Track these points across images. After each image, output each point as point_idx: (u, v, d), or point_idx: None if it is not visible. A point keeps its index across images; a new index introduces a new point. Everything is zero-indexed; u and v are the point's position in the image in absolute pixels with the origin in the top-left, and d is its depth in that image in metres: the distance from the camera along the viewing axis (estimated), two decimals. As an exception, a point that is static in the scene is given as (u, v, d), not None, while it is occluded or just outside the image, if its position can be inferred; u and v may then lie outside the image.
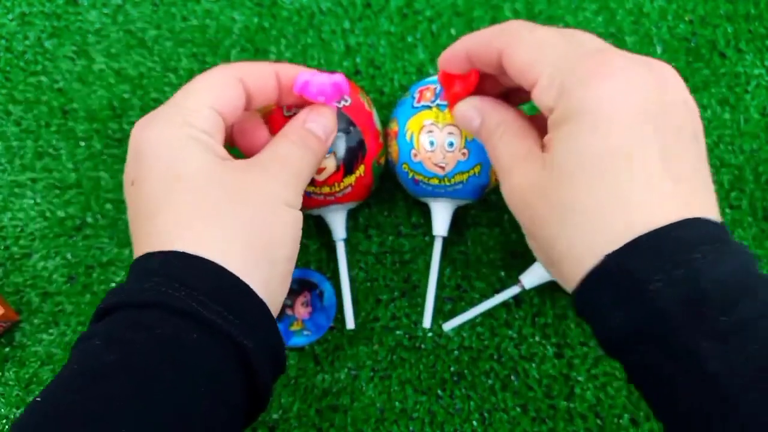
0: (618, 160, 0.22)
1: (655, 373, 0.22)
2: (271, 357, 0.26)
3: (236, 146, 0.33)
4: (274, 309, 0.28)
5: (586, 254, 0.23)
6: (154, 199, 0.26)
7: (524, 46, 0.26)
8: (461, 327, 0.39)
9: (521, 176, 0.26)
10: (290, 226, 0.28)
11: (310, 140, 0.31)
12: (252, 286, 0.26)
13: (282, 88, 0.31)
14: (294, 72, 0.31)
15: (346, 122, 0.34)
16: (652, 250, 0.22)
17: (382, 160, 0.37)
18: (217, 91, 0.29)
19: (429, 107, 0.35)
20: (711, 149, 0.43)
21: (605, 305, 0.23)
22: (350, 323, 0.38)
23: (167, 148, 0.27)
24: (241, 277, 0.25)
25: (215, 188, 0.27)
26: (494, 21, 0.45)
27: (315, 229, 0.41)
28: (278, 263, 0.27)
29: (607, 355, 0.24)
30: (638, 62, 0.24)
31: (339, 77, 0.32)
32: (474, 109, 0.30)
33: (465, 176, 0.35)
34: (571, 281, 0.24)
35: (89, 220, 0.41)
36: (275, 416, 0.37)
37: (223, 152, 0.29)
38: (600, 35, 0.45)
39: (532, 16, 0.45)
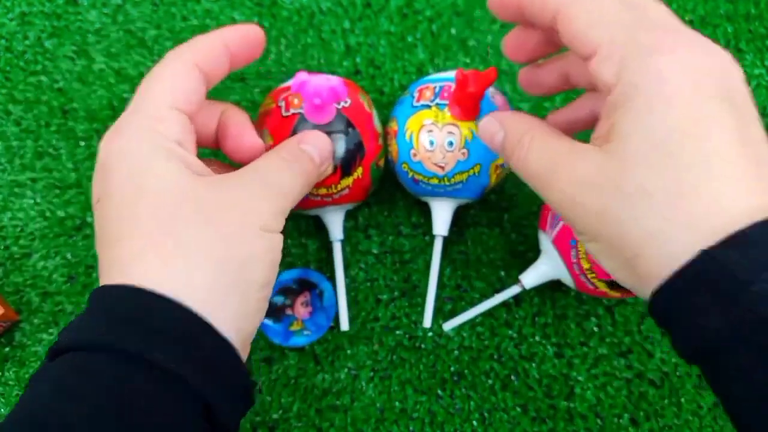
0: (695, 140, 0.20)
1: (751, 383, 0.19)
2: (236, 396, 0.24)
3: (221, 149, 0.32)
4: (245, 340, 0.25)
5: (674, 248, 0.20)
6: (117, 221, 0.24)
7: (583, 10, 0.23)
8: (461, 327, 0.39)
9: (571, 173, 0.23)
10: (268, 250, 0.26)
11: (304, 161, 0.29)
12: (217, 320, 0.23)
13: (233, 58, 0.29)
14: (237, 33, 0.29)
15: (344, 123, 0.34)
16: (756, 246, 0.19)
17: (381, 162, 0.37)
18: (176, 86, 0.26)
19: (428, 106, 0.35)
20: (711, 149, 0.43)
21: (700, 307, 0.20)
22: (345, 325, 0.38)
23: (135, 162, 0.25)
24: (205, 311, 0.23)
25: (185, 209, 0.24)
26: (494, 21, 0.45)
27: (315, 229, 0.41)
28: (252, 291, 0.25)
29: (686, 361, 0.22)
30: (702, 40, 0.22)
31: (336, 81, 0.32)
32: (495, 121, 0.28)
33: (465, 176, 0.35)
34: (650, 280, 0.21)
35: (89, 220, 0.41)
36: (275, 416, 0.37)
37: (198, 165, 0.26)
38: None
39: (532, 16, 0.45)
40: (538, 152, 0.25)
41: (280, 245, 0.27)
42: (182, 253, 0.23)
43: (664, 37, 0.22)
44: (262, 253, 0.25)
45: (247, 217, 0.25)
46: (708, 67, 0.21)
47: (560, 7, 0.24)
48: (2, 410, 0.38)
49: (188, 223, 0.24)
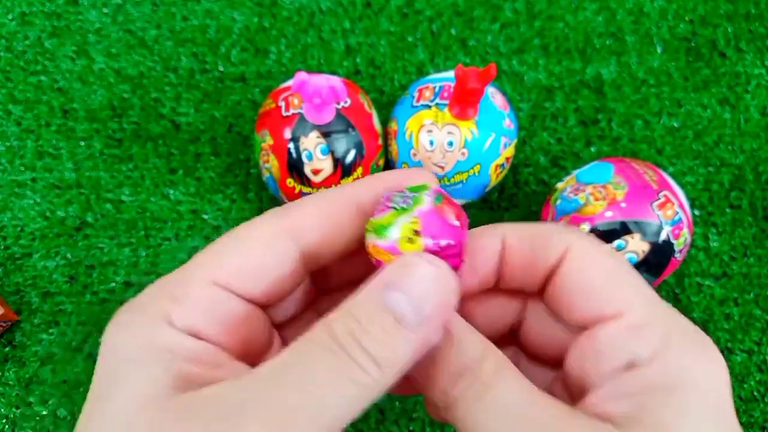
0: None
1: None
2: None
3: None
4: None
5: None
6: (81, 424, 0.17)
7: (600, 264, 0.18)
8: (461, 327, 0.39)
9: None
10: None
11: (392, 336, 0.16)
12: None
13: (363, 219, 0.19)
14: (375, 185, 0.20)
15: (345, 123, 0.34)
16: None
17: (381, 162, 0.37)
18: (235, 255, 0.18)
19: (428, 106, 0.35)
20: (711, 149, 0.43)
21: None
22: None
23: (114, 362, 0.17)
24: None
25: None
26: (494, 21, 0.45)
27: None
28: None
29: None
30: (719, 355, 0.18)
31: (336, 81, 0.32)
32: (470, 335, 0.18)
33: (464, 176, 0.35)
34: None
35: (89, 220, 0.41)
36: (275, 416, 0.37)
37: (201, 373, 0.17)
38: (600, 35, 0.45)
39: (532, 16, 0.45)
40: (507, 408, 0.16)
41: None
42: None
43: (708, 342, 0.18)
44: None
45: None
46: (727, 385, 0.18)
47: (574, 250, 0.18)
48: (2, 410, 0.38)
49: None
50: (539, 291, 0.19)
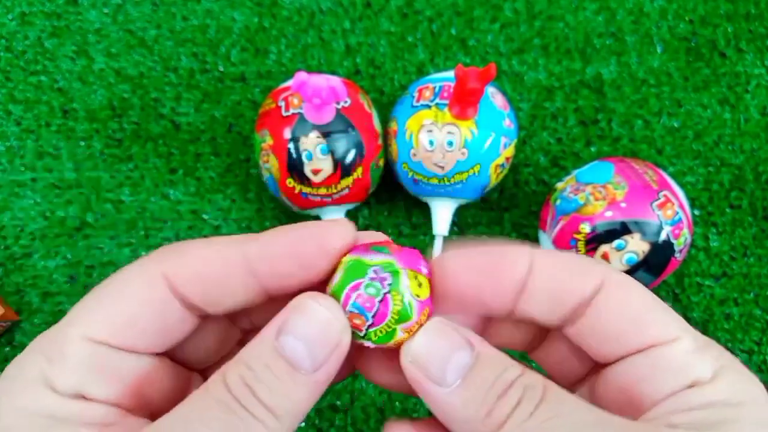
0: None
1: None
2: None
3: None
4: None
5: None
6: None
7: (641, 294, 0.18)
8: (461, 327, 0.39)
9: None
10: None
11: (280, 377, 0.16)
12: None
13: (262, 277, 0.17)
14: (284, 244, 0.18)
15: (345, 123, 0.34)
16: None
17: (381, 162, 0.37)
18: (104, 307, 0.17)
19: (428, 106, 0.35)
20: (711, 149, 0.43)
21: None
22: None
23: None
24: None
25: None
26: (494, 21, 0.45)
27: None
28: None
29: None
30: None
31: (336, 81, 0.32)
32: (454, 336, 0.17)
33: (464, 176, 0.35)
34: None
35: (89, 220, 0.41)
36: (275, 416, 0.37)
37: (99, 417, 0.16)
38: (600, 35, 0.45)
39: (532, 16, 0.45)
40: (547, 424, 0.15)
41: None
42: None
43: (741, 366, 0.18)
44: None
45: None
46: None
47: (612, 282, 0.18)
48: (2, 410, 0.38)
49: None
50: (561, 321, 0.18)
